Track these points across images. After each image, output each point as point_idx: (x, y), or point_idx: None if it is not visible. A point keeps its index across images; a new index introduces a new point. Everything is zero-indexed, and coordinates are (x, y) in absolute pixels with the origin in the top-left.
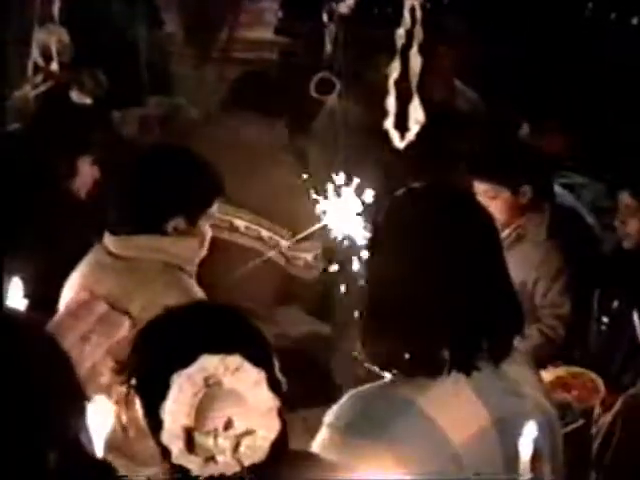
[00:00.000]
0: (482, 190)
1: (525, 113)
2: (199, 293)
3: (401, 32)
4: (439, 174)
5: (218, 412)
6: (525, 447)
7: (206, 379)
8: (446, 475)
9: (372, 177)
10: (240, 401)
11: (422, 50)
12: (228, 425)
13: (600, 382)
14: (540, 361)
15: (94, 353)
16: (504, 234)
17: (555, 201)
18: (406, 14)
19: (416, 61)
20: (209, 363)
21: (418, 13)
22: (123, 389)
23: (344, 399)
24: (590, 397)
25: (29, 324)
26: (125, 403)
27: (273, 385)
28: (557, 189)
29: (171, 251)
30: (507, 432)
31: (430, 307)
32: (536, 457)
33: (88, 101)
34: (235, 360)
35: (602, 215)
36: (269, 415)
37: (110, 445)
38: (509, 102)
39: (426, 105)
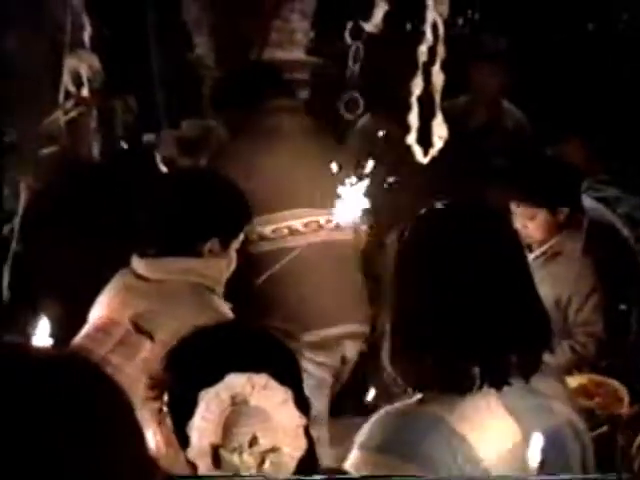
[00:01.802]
0: (520, 211)
1: (551, 128)
2: (229, 313)
3: (423, 49)
4: (476, 191)
5: (244, 429)
6: (533, 458)
7: (233, 397)
8: None
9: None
10: (266, 419)
11: (445, 67)
12: (253, 442)
13: (623, 391)
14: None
15: (116, 375)
16: (541, 251)
17: (588, 215)
18: (428, 31)
19: (439, 78)
20: (236, 381)
21: (441, 29)
22: (156, 405)
23: (375, 418)
24: (613, 405)
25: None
26: (158, 419)
27: (300, 403)
28: (591, 203)
29: (203, 272)
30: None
31: (458, 324)
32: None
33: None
34: (262, 379)
35: (638, 227)
36: (295, 433)
37: None
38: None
39: (472, 123)
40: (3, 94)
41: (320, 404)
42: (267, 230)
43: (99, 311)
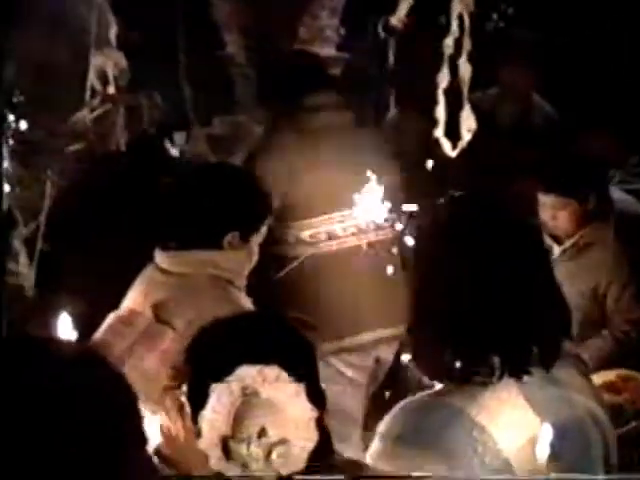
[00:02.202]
0: (550, 203)
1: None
2: (248, 306)
3: (449, 42)
4: (505, 182)
5: (253, 421)
6: (542, 450)
7: (244, 389)
8: None
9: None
10: (276, 411)
11: (474, 60)
12: (261, 433)
13: None
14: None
15: (138, 365)
16: (571, 242)
17: (617, 206)
18: (454, 23)
19: (466, 70)
20: (247, 373)
21: (467, 22)
22: (177, 394)
23: (396, 409)
24: None
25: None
26: (178, 409)
27: (314, 396)
28: (620, 194)
29: (222, 265)
30: (557, 439)
31: (477, 314)
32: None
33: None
34: (273, 371)
35: None
36: (306, 425)
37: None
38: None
39: (501, 118)
40: (30, 93)
41: (353, 403)
42: (305, 235)
43: (124, 303)
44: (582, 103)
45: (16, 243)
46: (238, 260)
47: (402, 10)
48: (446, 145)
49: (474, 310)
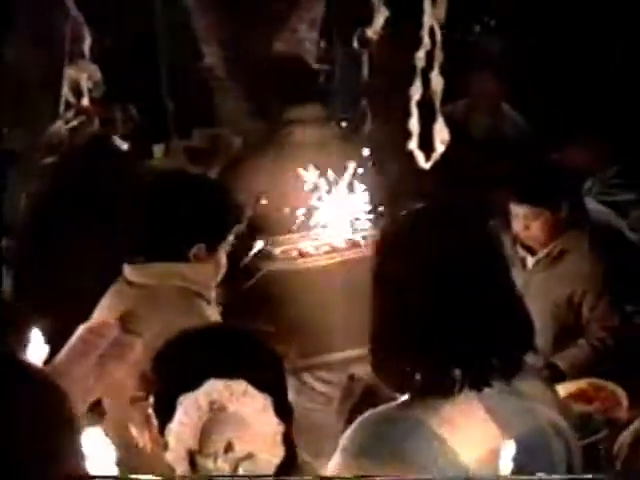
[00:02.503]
0: (523, 213)
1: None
2: (215, 318)
3: (420, 54)
4: (477, 194)
5: (220, 435)
6: (504, 463)
7: (211, 403)
8: None
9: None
10: (243, 425)
11: (444, 71)
12: (228, 448)
13: (622, 394)
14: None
15: (108, 376)
16: (545, 252)
17: (592, 216)
18: (425, 36)
19: (438, 82)
20: (214, 388)
21: (438, 34)
22: (144, 405)
23: (357, 422)
24: (612, 409)
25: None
26: (145, 420)
27: (281, 410)
28: (597, 206)
29: (189, 277)
30: (519, 450)
31: (438, 327)
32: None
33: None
34: (241, 385)
35: None
36: (273, 440)
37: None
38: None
39: (473, 129)
40: (5, 105)
41: (327, 419)
42: (276, 251)
43: (94, 315)
44: (560, 113)
45: None
46: (205, 272)
47: (378, 22)
48: (420, 157)
49: (434, 322)
